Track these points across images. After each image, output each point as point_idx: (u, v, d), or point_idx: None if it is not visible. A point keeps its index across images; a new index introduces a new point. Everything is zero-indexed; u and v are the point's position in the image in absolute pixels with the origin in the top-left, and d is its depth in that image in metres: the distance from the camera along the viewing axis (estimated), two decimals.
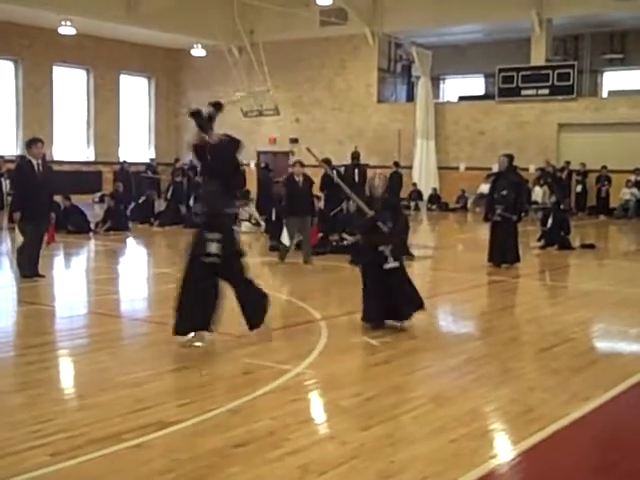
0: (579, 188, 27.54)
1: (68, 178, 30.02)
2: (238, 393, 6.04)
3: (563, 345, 7.96)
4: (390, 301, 8.33)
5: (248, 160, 34.25)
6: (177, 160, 32.05)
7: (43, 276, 11.82)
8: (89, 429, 5.16)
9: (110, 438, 4.99)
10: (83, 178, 31.74)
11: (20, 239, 11.58)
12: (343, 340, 8.08)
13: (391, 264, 8.34)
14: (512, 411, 5.78)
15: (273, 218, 16.39)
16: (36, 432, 5.07)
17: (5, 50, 30.06)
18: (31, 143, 11.71)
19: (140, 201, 21.53)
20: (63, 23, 27.66)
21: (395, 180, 27.26)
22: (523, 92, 28.67)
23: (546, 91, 28.17)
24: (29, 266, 11.62)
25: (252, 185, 31.11)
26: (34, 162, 11.56)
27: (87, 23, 28.43)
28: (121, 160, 33.55)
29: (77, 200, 20.26)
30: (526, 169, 25.10)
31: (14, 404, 5.70)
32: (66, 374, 7.00)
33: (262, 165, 28.21)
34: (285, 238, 13.83)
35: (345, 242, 15.09)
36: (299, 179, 13.98)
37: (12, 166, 22.68)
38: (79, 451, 4.76)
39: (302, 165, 14.30)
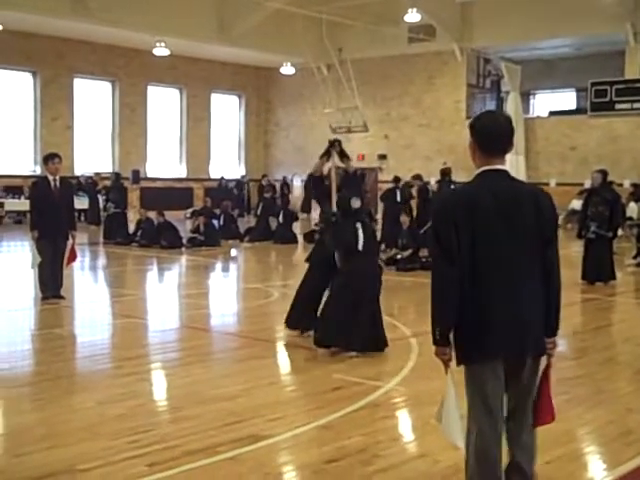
0: None
1: (161, 194, 30.89)
2: (329, 409, 6.07)
3: None
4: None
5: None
6: (264, 176, 32.58)
7: (63, 298, 11.12)
8: (185, 441, 5.27)
9: (205, 450, 5.09)
10: (175, 194, 32.51)
11: (38, 259, 10.82)
12: (434, 357, 8.01)
13: None
14: (609, 433, 5.64)
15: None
16: (134, 442, 5.21)
17: (103, 71, 31.14)
18: (47, 159, 11.08)
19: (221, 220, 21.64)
20: (158, 44, 28.47)
21: None
22: (617, 106, 27.98)
23: None
24: (51, 286, 11.03)
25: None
26: (50, 179, 11.00)
27: (180, 44, 29.21)
28: (219, 177, 34.26)
29: (169, 216, 20.70)
30: (620, 184, 24.46)
31: (113, 414, 5.86)
32: (161, 386, 7.16)
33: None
34: None
35: None
36: None
37: (108, 183, 23.54)
38: (175, 462, 4.87)
39: None
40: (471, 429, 3.85)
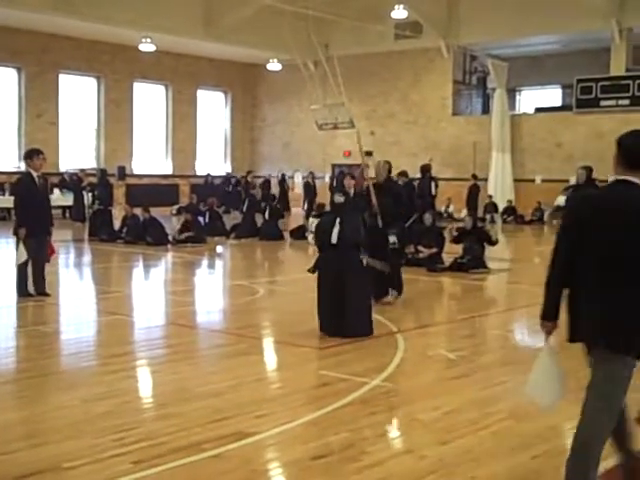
0: None
1: (147, 191, 30.77)
2: (315, 405, 6.06)
3: None
4: None
5: (324, 173, 34.41)
6: (249, 172, 32.36)
7: (48, 295, 11.01)
8: (170, 438, 5.25)
9: (190, 448, 5.06)
10: (161, 191, 32.39)
11: (24, 256, 10.72)
12: (420, 353, 8.04)
13: None
14: None
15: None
16: (119, 440, 5.18)
17: (89, 67, 30.99)
18: (32, 155, 10.86)
19: (207, 217, 21.66)
20: (144, 40, 28.35)
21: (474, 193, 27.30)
22: (602, 103, 28.08)
23: (627, 102, 27.51)
24: (36, 284, 10.98)
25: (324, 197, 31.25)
26: (34, 175, 10.80)
27: (166, 40, 29.10)
28: (205, 173, 34.09)
29: (155, 213, 20.58)
30: (605, 181, 24.51)
31: (99, 412, 5.83)
32: (147, 383, 7.13)
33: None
34: None
35: (421, 254, 14.99)
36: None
37: (94, 180, 23.42)
38: (160, 460, 4.84)
39: (353, 178, 13.82)
40: None
